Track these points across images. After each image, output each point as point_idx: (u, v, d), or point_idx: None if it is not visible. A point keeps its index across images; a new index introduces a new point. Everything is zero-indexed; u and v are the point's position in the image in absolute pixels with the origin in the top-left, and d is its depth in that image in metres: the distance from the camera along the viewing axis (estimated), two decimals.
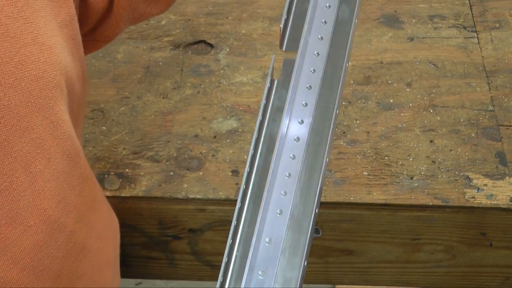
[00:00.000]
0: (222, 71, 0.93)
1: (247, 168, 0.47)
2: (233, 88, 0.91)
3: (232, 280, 0.45)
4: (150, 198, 0.79)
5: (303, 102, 0.48)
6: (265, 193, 0.46)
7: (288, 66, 0.49)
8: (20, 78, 0.48)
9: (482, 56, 0.94)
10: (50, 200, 0.53)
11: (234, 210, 0.80)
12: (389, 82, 0.91)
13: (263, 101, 0.49)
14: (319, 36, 0.50)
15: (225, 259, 0.45)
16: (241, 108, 0.88)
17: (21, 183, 0.50)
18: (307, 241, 0.44)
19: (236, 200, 0.78)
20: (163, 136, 0.85)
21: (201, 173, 0.81)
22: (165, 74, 0.93)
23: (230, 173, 0.80)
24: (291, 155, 0.47)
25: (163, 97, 0.90)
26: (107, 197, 0.78)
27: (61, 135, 0.53)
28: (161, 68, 0.93)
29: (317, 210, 0.46)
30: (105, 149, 0.84)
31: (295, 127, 0.48)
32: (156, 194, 0.79)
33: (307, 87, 0.49)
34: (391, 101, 0.88)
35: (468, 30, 0.97)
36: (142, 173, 0.81)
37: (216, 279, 0.94)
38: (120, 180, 0.80)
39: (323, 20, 0.51)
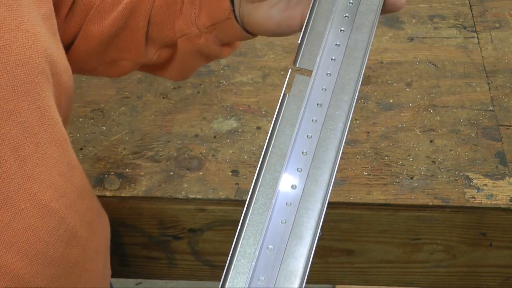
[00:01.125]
0: (222, 71, 0.93)
1: (255, 176, 0.48)
2: (233, 88, 0.91)
3: (233, 284, 0.45)
4: (150, 198, 0.79)
5: (313, 119, 0.50)
6: (272, 202, 0.47)
7: (301, 83, 0.51)
8: (5, 62, 0.49)
9: (482, 56, 0.94)
10: (40, 185, 0.53)
11: (234, 210, 0.80)
12: (389, 82, 0.91)
13: (275, 113, 0.50)
14: (332, 58, 0.52)
15: (227, 263, 0.45)
16: (241, 108, 0.88)
17: (10, 166, 0.50)
18: (309, 251, 0.45)
19: (236, 200, 0.78)
20: (163, 136, 0.85)
21: (201, 173, 0.81)
22: None
23: (230, 173, 0.80)
24: (298, 168, 0.48)
25: (163, 97, 0.90)
26: (107, 197, 0.79)
27: (48, 121, 0.54)
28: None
29: (322, 221, 0.46)
30: (105, 149, 0.84)
31: (303, 142, 0.49)
32: (156, 194, 0.79)
33: (317, 105, 0.50)
34: (391, 101, 0.88)
35: (468, 30, 0.97)
36: (142, 173, 0.81)
37: (216, 279, 0.94)
38: (120, 180, 0.80)
39: (337, 43, 0.53)
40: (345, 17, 0.54)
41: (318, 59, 0.52)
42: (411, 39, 0.96)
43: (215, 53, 0.65)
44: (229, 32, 0.61)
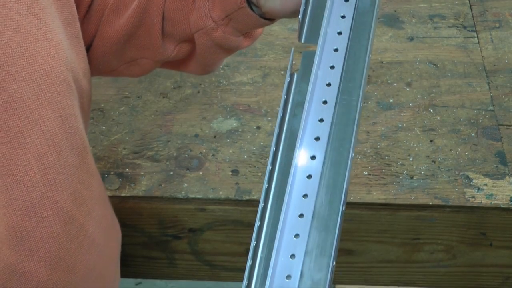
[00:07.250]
0: (222, 71, 0.93)
1: (269, 167, 0.45)
2: (233, 87, 0.91)
3: (258, 283, 0.42)
4: (150, 198, 0.79)
5: (323, 100, 0.46)
6: (286, 194, 0.44)
7: (308, 59, 0.47)
8: (31, 72, 0.50)
9: (482, 56, 0.94)
10: (61, 193, 0.54)
11: (234, 209, 0.80)
12: (389, 82, 0.91)
13: (283, 96, 0.46)
14: (338, 31, 0.48)
15: (249, 262, 0.43)
16: (241, 108, 0.88)
17: (34, 175, 0.51)
18: (335, 240, 0.42)
19: (236, 200, 0.78)
20: (163, 136, 0.85)
21: (201, 173, 0.81)
22: (165, 73, 0.93)
23: (230, 173, 0.80)
24: (311, 156, 0.44)
25: (163, 97, 0.90)
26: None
27: (69, 129, 0.54)
28: (161, 68, 0.93)
29: (343, 207, 0.43)
30: (105, 148, 0.83)
31: (315, 126, 0.45)
32: (156, 194, 0.79)
33: (326, 84, 0.46)
34: (391, 101, 0.88)
35: (468, 30, 0.97)
36: (142, 173, 0.81)
37: (216, 279, 0.94)
38: (120, 180, 0.80)
39: (341, 14, 0.49)
40: None
41: (322, 32, 0.47)
42: (411, 39, 0.96)
43: (235, 45, 0.64)
44: (245, 21, 0.60)
